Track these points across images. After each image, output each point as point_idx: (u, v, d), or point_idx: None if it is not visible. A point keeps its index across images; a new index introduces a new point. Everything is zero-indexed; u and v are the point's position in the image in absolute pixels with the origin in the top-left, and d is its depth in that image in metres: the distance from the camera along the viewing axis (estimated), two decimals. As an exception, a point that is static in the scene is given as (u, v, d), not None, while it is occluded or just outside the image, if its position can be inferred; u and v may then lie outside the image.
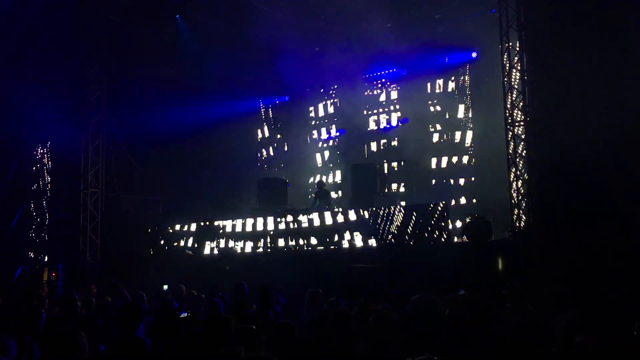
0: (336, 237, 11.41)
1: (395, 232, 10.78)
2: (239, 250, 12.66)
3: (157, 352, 4.78)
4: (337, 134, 17.62)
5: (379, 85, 16.75)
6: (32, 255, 15.76)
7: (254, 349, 4.00)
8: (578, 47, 9.68)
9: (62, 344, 3.02)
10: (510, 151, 10.80)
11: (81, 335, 3.14)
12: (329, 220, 11.74)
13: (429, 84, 15.71)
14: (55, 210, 15.63)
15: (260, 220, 12.60)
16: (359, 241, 11.20)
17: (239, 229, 12.86)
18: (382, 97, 16.70)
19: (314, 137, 18.11)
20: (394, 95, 16.52)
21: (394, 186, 15.63)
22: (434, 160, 15.31)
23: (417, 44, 14.44)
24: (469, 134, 14.97)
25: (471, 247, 10.02)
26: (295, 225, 12.06)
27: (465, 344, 4.17)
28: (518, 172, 10.76)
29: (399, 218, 10.81)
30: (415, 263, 9.60)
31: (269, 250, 12.21)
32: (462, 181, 14.85)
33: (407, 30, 14.86)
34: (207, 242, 13.12)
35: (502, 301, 6.42)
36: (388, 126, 16.47)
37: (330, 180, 17.20)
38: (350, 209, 11.81)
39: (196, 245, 13.26)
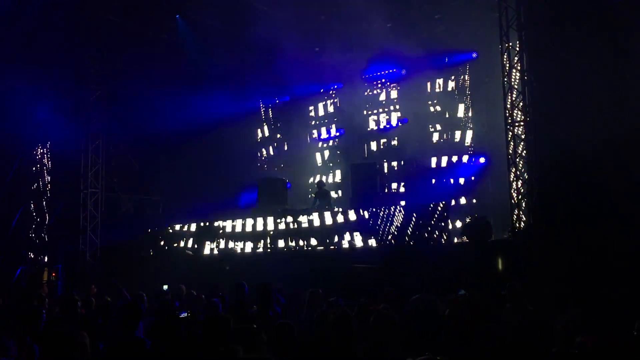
0: (336, 238, 11.41)
1: (395, 232, 10.77)
2: (239, 251, 12.66)
3: (157, 352, 4.78)
4: (337, 133, 17.62)
5: (379, 85, 16.75)
6: (32, 255, 15.76)
7: (255, 348, 4.00)
8: (578, 47, 9.68)
9: (65, 344, 3.02)
10: (510, 151, 10.80)
11: (84, 336, 3.14)
12: (329, 220, 11.73)
13: (428, 84, 15.71)
14: (55, 210, 15.63)
15: (260, 220, 12.59)
16: (359, 241, 11.20)
17: (238, 229, 12.86)
18: (382, 97, 16.71)
19: (314, 136, 18.11)
20: (393, 94, 16.52)
21: (394, 185, 15.64)
22: (433, 160, 15.31)
23: (417, 44, 14.43)
24: (469, 133, 14.98)
25: (471, 247, 10.02)
26: (295, 226, 12.06)
27: (465, 344, 4.17)
28: (518, 172, 10.75)
29: (399, 218, 10.81)
30: (415, 263, 9.60)
31: (269, 250, 12.20)
32: (462, 180, 14.85)
33: (407, 30, 14.86)
34: (207, 243, 13.11)
35: (502, 301, 6.43)
36: (388, 126, 16.48)
37: (330, 180, 17.19)
38: (350, 209, 11.81)
39: (196, 246, 13.26)
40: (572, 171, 9.55)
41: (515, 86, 10.88)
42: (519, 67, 10.75)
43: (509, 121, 10.83)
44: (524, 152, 10.68)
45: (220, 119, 16.27)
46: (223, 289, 8.79)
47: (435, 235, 10.43)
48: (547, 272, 9.02)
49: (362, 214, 11.37)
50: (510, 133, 10.83)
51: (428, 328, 4.38)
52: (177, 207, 15.49)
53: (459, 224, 11.98)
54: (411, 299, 6.66)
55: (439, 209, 10.54)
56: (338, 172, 17.26)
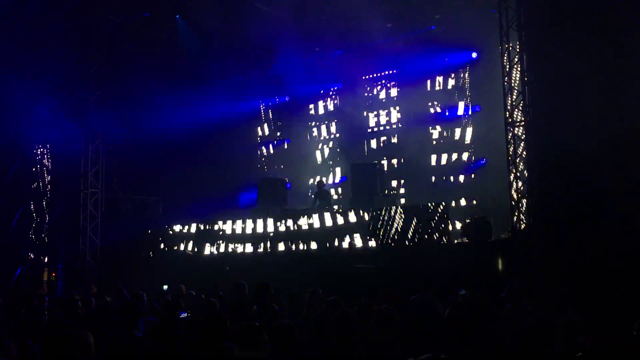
0: (336, 242, 11.40)
1: (396, 233, 10.78)
2: (239, 251, 12.65)
3: (155, 352, 4.77)
4: (337, 133, 17.62)
5: (379, 84, 16.76)
6: (32, 255, 15.76)
7: (256, 347, 4.00)
8: (578, 47, 9.68)
9: (71, 345, 3.01)
10: (510, 151, 10.80)
11: (89, 336, 3.13)
12: (329, 221, 11.74)
13: (428, 82, 15.72)
14: (55, 210, 15.63)
15: (260, 222, 12.59)
16: (359, 242, 11.20)
17: (238, 231, 12.86)
18: (382, 95, 16.73)
19: (314, 134, 18.12)
20: (393, 93, 16.54)
21: (394, 183, 15.66)
22: (433, 157, 15.33)
23: (417, 44, 14.43)
24: (469, 131, 14.99)
25: (471, 248, 10.03)
26: (296, 228, 12.05)
27: (465, 344, 4.17)
28: (518, 172, 10.76)
29: (399, 219, 10.81)
30: (415, 264, 9.60)
31: (268, 251, 12.20)
32: (462, 178, 14.87)
33: (407, 30, 14.86)
34: (207, 245, 13.10)
35: (502, 301, 6.43)
36: (388, 127, 16.48)
37: (330, 180, 17.20)
38: (350, 210, 11.81)
39: (196, 249, 13.25)
40: (572, 171, 9.56)
41: (515, 86, 10.88)
42: (519, 68, 10.75)
43: (509, 121, 10.84)
44: (524, 152, 10.69)
45: (220, 118, 16.28)
46: (223, 289, 8.80)
47: (435, 237, 10.43)
48: (547, 272, 9.03)
49: (362, 214, 11.37)
50: (510, 133, 10.83)
51: (428, 328, 4.38)
52: (177, 207, 15.48)
53: (459, 224, 11.98)
54: (410, 298, 6.68)
55: (440, 210, 10.55)
56: (338, 170, 17.26)
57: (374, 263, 10.29)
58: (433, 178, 15.22)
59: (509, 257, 9.53)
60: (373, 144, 16.65)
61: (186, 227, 13.67)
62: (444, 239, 10.41)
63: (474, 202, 14.20)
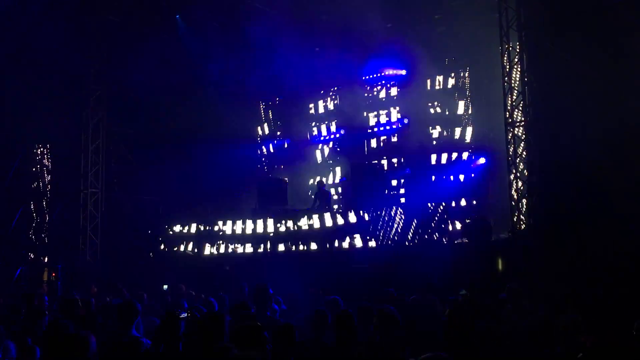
0: (336, 243, 11.40)
1: (396, 233, 10.77)
2: (239, 252, 12.66)
3: (153, 351, 4.76)
4: (337, 132, 17.62)
5: (379, 84, 16.77)
6: (32, 255, 15.76)
7: (256, 347, 4.00)
8: (578, 48, 9.68)
9: (74, 345, 3.01)
10: (510, 151, 10.80)
11: (91, 337, 3.13)
12: (329, 222, 11.73)
13: (428, 81, 15.71)
14: (55, 210, 15.63)
15: (260, 223, 12.59)
16: (359, 242, 11.20)
17: (238, 231, 12.86)
18: (382, 94, 16.73)
19: (314, 134, 18.12)
20: (393, 92, 16.54)
21: (394, 182, 15.65)
22: (433, 157, 15.33)
23: (417, 44, 14.42)
24: (469, 130, 14.98)
25: (471, 248, 10.03)
26: (296, 228, 12.05)
27: (465, 344, 4.17)
28: (518, 172, 10.76)
29: (399, 219, 10.81)
30: (415, 264, 9.60)
31: (268, 251, 12.21)
32: (462, 178, 14.86)
33: (407, 30, 14.85)
34: (207, 245, 13.11)
35: (502, 301, 6.43)
36: (389, 127, 16.48)
37: (330, 179, 17.19)
38: (350, 211, 11.80)
39: (196, 250, 13.25)
40: (572, 171, 9.56)
41: (515, 86, 10.88)
42: (519, 68, 10.75)
43: (509, 121, 10.84)
44: (524, 152, 10.69)
45: (220, 118, 16.28)
46: (223, 289, 8.79)
47: (435, 237, 10.43)
48: (547, 272, 9.02)
49: (362, 215, 11.37)
50: (510, 133, 10.83)
51: (428, 328, 4.39)
52: (177, 207, 15.48)
53: (459, 225, 11.98)
54: (410, 298, 6.68)
55: (439, 210, 10.55)
56: (338, 170, 17.27)
57: (374, 263, 10.28)
58: (433, 178, 15.22)
59: (509, 257, 9.52)
60: (373, 143, 16.65)
61: (186, 228, 13.67)
62: (444, 239, 10.41)
63: (474, 202, 14.20)
